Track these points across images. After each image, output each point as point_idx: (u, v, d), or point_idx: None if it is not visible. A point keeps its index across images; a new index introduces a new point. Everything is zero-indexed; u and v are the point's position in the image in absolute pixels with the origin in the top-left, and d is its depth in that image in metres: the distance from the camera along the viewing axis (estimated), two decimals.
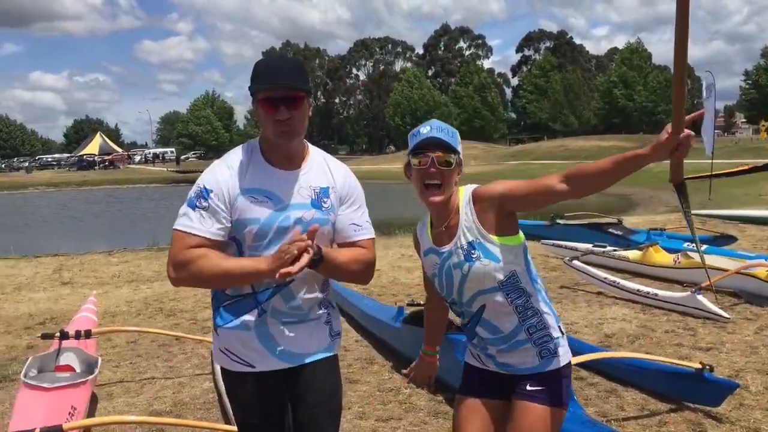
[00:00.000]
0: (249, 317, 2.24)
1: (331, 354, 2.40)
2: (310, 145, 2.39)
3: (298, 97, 2.17)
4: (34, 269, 10.99)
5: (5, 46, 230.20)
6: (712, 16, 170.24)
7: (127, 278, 9.84)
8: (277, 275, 2.02)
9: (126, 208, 32.08)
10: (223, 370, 2.37)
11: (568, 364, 2.42)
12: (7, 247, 13.91)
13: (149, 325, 6.73)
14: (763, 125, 51.55)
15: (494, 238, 2.26)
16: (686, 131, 1.96)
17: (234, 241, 2.22)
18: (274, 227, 2.18)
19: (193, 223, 2.16)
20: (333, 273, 2.30)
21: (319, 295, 2.33)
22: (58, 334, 4.82)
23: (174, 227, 2.18)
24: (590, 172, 2.08)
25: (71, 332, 4.90)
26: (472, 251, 2.27)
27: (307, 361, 2.30)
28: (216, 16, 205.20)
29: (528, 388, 2.33)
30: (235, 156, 2.28)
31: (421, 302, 5.64)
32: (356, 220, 2.36)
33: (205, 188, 2.19)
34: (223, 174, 2.22)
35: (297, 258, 2.01)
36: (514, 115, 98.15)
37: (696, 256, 7.49)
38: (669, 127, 1.97)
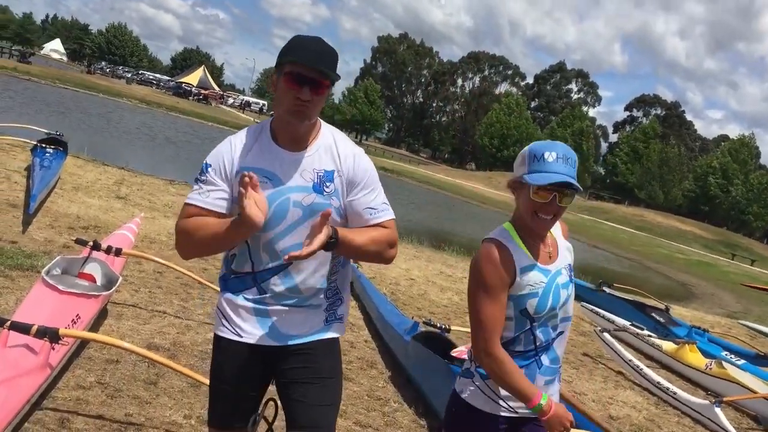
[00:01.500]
0: (248, 292, 2.28)
1: (326, 336, 2.36)
2: (324, 125, 2.35)
3: (324, 84, 2.17)
4: (98, 175, 11.40)
5: None
6: None
7: (177, 210, 10.01)
8: (285, 257, 2.04)
9: (204, 144, 32.90)
10: (214, 334, 2.41)
11: None
12: (82, 147, 14.43)
13: (181, 262, 6.88)
14: None
15: None
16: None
17: None
18: (271, 209, 2.17)
19: (192, 194, 2.25)
20: (351, 254, 2.30)
21: (322, 284, 2.31)
22: (91, 243, 4.98)
23: None
24: None
25: (104, 245, 5.07)
26: (571, 273, 2.28)
27: (296, 342, 2.30)
28: None
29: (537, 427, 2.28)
30: (243, 134, 2.32)
31: (438, 325, 5.60)
32: (371, 203, 2.30)
33: (206, 163, 2.27)
34: (225, 149, 2.27)
35: (312, 230, 2.03)
36: (602, 171, 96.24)
37: (730, 368, 7.19)
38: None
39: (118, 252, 5.16)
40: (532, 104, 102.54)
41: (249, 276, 2.27)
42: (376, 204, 2.32)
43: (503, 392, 2.24)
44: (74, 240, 5.38)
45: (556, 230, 2.33)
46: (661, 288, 22.86)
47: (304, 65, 2.12)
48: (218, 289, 2.44)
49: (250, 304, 2.28)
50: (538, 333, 2.24)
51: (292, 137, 2.25)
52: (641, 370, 6.95)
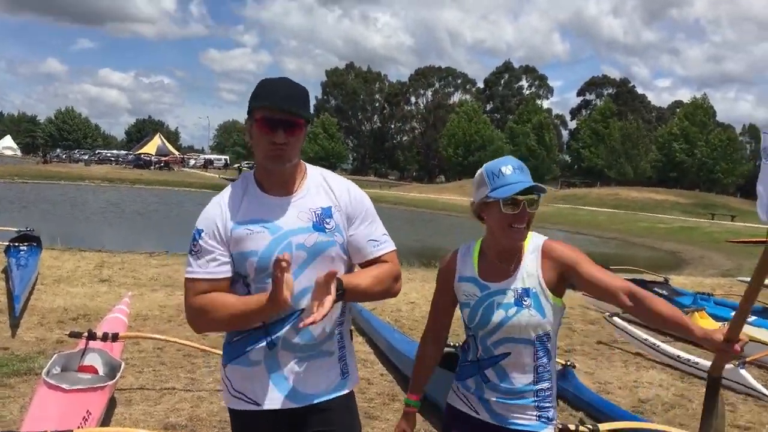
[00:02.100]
0: (258, 350, 2.15)
1: (344, 392, 2.28)
2: (308, 165, 2.29)
3: (298, 124, 2.11)
4: (76, 263, 11.18)
5: (79, 42, 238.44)
6: None
7: (164, 282, 9.91)
8: (301, 324, 1.96)
9: (174, 210, 32.64)
10: (229, 409, 2.29)
11: None
12: (54, 238, 14.17)
13: (178, 333, 6.73)
14: None
15: (549, 294, 2.28)
16: (737, 346, 2.11)
17: (240, 277, 2.16)
18: (273, 257, 2.07)
19: (193, 268, 2.14)
20: (359, 299, 2.24)
21: (334, 328, 2.23)
22: (86, 333, 4.83)
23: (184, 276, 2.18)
24: (652, 309, 2.19)
25: (99, 333, 4.91)
26: (525, 298, 2.27)
27: (317, 401, 2.20)
28: (281, 31, 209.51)
29: None
30: (228, 192, 2.24)
31: (452, 343, 5.50)
32: (372, 235, 2.25)
33: (197, 230, 2.17)
34: (214, 211, 2.18)
35: (319, 292, 1.95)
36: (568, 158, 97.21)
37: (744, 328, 7.18)
38: (726, 331, 2.13)
39: (114, 337, 5.01)
40: (488, 107, 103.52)
41: (260, 330, 2.14)
42: (377, 236, 2.27)
43: (470, 398, 2.39)
44: (67, 334, 5.21)
45: (533, 254, 2.32)
46: (651, 260, 22.98)
47: (274, 109, 2.06)
48: (220, 353, 2.33)
49: (262, 365, 2.15)
50: (479, 346, 2.35)
51: (279, 182, 2.18)
52: (658, 347, 6.90)
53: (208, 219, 2.16)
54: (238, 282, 2.16)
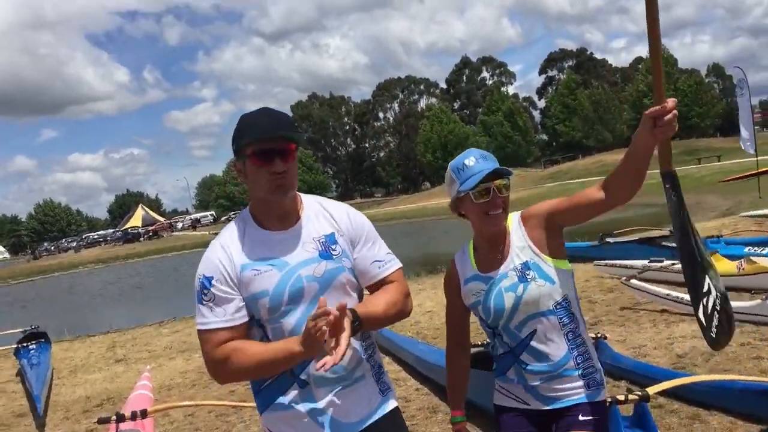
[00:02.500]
0: (292, 394, 2.07)
1: (388, 411, 2.20)
2: (302, 195, 2.24)
3: (290, 149, 2.05)
4: (88, 349, 11.05)
5: (43, 133, 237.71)
6: (731, 14, 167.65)
7: (179, 348, 9.79)
8: (323, 369, 1.85)
9: (172, 275, 32.44)
10: None
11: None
12: (61, 330, 14.04)
13: (205, 395, 6.64)
14: None
15: (548, 259, 2.30)
16: (668, 107, 1.94)
17: (253, 319, 2.07)
18: (285, 293, 2.01)
19: (207, 318, 2.03)
20: (376, 326, 2.16)
21: (360, 348, 2.15)
22: (114, 417, 4.72)
23: (197, 329, 2.07)
24: (616, 169, 2.16)
25: (127, 413, 4.80)
26: (527, 272, 2.29)
27: (364, 426, 2.12)
28: (237, 78, 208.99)
29: (581, 417, 2.27)
30: (227, 233, 2.15)
31: (479, 342, 5.42)
32: (377, 256, 2.20)
33: (205, 277, 2.06)
34: (218, 255, 2.08)
35: (333, 329, 1.84)
36: (545, 137, 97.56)
37: (760, 260, 7.13)
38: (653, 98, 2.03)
39: (143, 414, 4.89)
40: (456, 105, 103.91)
41: (284, 374, 2.06)
42: (381, 256, 2.22)
43: (514, 390, 2.39)
44: (96, 421, 5.08)
45: (518, 229, 2.36)
46: (650, 217, 22.89)
47: (264, 140, 2.00)
48: (253, 405, 2.24)
49: (300, 406, 2.06)
50: (504, 336, 2.36)
51: (279, 216, 2.11)
52: (682, 299, 6.83)
53: (214, 264, 2.07)
54: (252, 324, 2.08)
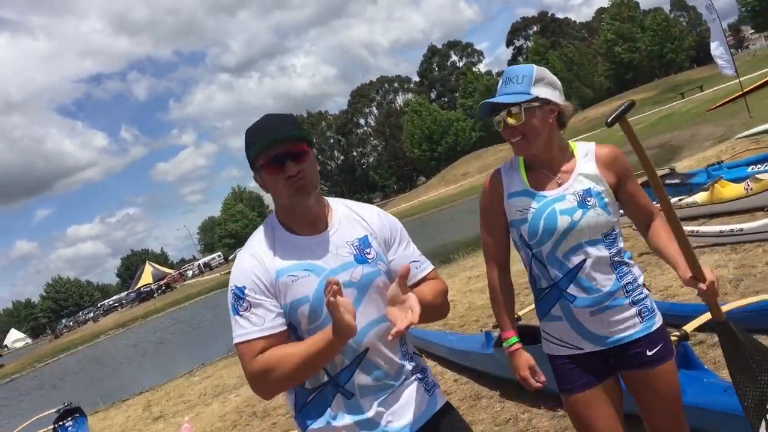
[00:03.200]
0: (338, 407, 1.96)
1: (438, 408, 2.10)
2: (329, 199, 2.14)
3: (302, 150, 1.96)
4: (124, 414, 10.99)
5: (38, 213, 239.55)
6: None
7: (213, 393, 9.73)
8: (390, 337, 1.82)
9: (192, 324, 32.42)
10: None
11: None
12: (94, 401, 14.00)
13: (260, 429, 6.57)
14: None
15: (611, 192, 2.27)
16: (704, 285, 2.09)
17: (290, 329, 1.96)
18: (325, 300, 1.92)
19: (246, 329, 1.91)
20: (428, 315, 2.04)
21: (399, 350, 2.05)
22: None
23: (234, 343, 1.95)
24: (653, 243, 2.32)
25: None
26: (588, 198, 2.22)
27: (418, 428, 2.02)
28: (213, 117, 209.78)
29: (649, 353, 2.22)
30: (256, 241, 2.04)
31: (518, 314, 5.33)
32: (413, 256, 2.13)
33: (237, 287, 1.94)
34: (251, 263, 1.96)
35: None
36: None
37: (766, 177, 7.05)
38: (685, 272, 2.13)
39: None
40: (433, 95, 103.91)
41: (327, 386, 1.96)
42: (416, 256, 2.15)
43: (562, 333, 2.31)
44: None
45: (587, 156, 2.31)
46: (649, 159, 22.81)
47: (271, 145, 1.92)
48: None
49: (347, 417, 1.96)
50: (548, 264, 2.25)
51: (308, 221, 2.02)
52: (698, 231, 6.76)
53: (248, 273, 1.95)
54: (289, 334, 1.97)
